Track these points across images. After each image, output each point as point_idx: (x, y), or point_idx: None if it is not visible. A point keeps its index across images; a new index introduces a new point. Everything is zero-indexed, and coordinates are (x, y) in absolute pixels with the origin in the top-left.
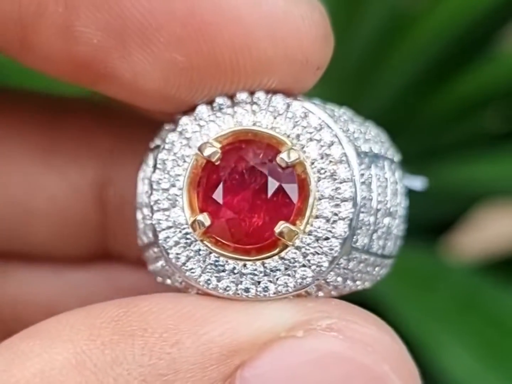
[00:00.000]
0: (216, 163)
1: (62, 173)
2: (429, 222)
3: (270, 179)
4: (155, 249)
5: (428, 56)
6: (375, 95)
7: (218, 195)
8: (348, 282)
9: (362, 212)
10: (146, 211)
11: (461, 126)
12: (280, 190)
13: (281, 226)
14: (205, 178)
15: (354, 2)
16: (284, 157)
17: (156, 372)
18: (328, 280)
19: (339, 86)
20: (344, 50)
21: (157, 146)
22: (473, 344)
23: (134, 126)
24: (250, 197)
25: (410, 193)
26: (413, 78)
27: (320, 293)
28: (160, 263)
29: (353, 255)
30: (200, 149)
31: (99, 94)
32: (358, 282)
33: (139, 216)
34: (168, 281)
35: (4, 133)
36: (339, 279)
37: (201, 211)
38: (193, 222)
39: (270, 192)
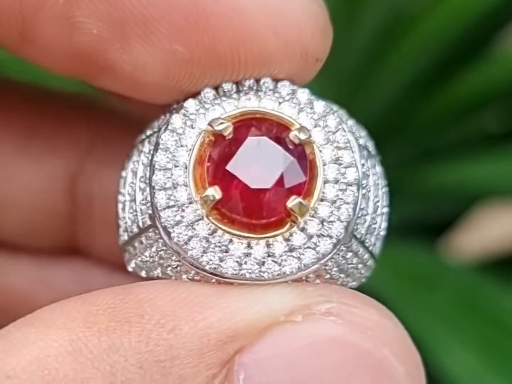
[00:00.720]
0: (228, 138)
1: (38, 162)
2: (428, 222)
3: (284, 153)
4: (150, 234)
5: (427, 56)
6: (374, 94)
7: (233, 166)
8: (342, 275)
9: (363, 198)
10: (141, 196)
11: (461, 126)
12: (293, 166)
13: (293, 200)
14: (216, 152)
15: (354, 2)
16: (297, 133)
17: (153, 359)
18: (327, 268)
19: (338, 85)
20: (344, 50)
21: (151, 135)
22: (472, 343)
23: (114, 122)
24: (263, 170)
25: (411, 195)
26: (412, 78)
27: (317, 281)
28: (153, 249)
29: (352, 244)
30: (211, 124)
31: (85, 90)
32: (349, 278)
33: (126, 210)
34: (157, 271)
35: None
36: (336, 268)
37: (210, 185)
38: (203, 196)
39: (284, 166)
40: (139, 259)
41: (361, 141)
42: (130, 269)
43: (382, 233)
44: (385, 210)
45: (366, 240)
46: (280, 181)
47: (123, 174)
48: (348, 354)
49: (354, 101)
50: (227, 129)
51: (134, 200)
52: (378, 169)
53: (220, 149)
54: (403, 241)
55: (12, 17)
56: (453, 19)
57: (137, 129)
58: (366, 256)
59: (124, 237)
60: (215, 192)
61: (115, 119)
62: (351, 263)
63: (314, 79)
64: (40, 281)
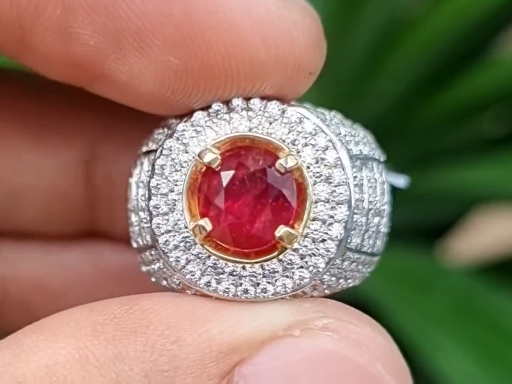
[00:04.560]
0: (216, 169)
1: (50, 150)
2: (425, 226)
3: (270, 184)
4: (153, 252)
5: (425, 61)
6: (373, 99)
7: (220, 200)
8: (341, 280)
9: (356, 214)
10: (143, 214)
11: (458, 130)
12: (279, 195)
13: (281, 230)
14: (206, 183)
15: (351, 7)
16: (282, 163)
17: (157, 368)
18: (323, 280)
19: (336, 90)
20: (341, 54)
21: (152, 151)
22: (468, 347)
23: (123, 109)
24: (251, 202)
25: (408, 199)
26: (411, 83)
27: (315, 292)
28: (157, 265)
29: (347, 255)
30: (200, 155)
31: None
32: (349, 281)
33: (133, 219)
34: (164, 283)
35: None
36: (333, 278)
37: (202, 216)
38: (195, 227)
39: (270, 197)
40: (148, 267)
41: (355, 150)
42: (142, 270)
43: (383, 229)
44: (385, 207)
45: (364, 247)
46: (268, 212)
47: (130, 181)
48: (343, 368)
49: (353, 105)
50: (215, 161)
51: (138, 215)
52: (377, 169)
53: (209, 181)
54: (400, 245)
55: (10, 25)
56: (450, 24)
57: (142, 114)
58: (365, 258)
59: (134, 244)
60: (205, 224)
61: (121, 105)
62: (349, 269)
63: (312, 83)
64: (52, 267)
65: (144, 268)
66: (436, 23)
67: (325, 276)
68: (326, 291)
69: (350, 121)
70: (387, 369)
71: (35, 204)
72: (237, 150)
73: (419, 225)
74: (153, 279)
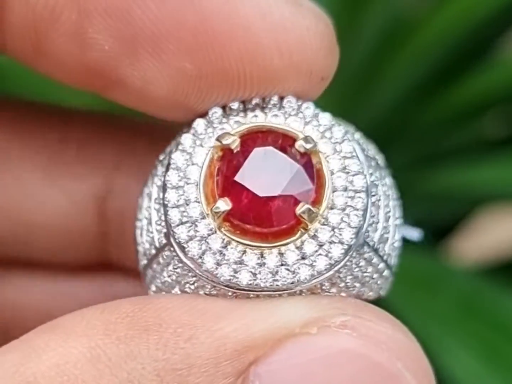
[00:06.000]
0: (235, 151)
1: (63, 185)
2: (430, 226)
3: (290, 161)
4: (166, 252)
5: (429, 62)
6: (376, 99)
7: (241, 177)
8: (357, 283)
9: (373, 206)
10: (155, 217)
11: (461, 131)
12: (299, 174)
13: (302, 207)
14: (225, 165)
15: (355, 8)
16: (302, 143)
17: (170, 367)
18: (341, 276)
19: (340, 91)
20: (345, 56)
21: (163, 158)
22: (474, 347)
23: (139, 138)
24: (271, 179)
25: (412, 200)
26: (413, 84)
27: (333, 289)
28: (170, 267)
29: (364, 251)
30: (218, 138)
31: (107, 105)
32: (364, 288)
33: (142, 233)
34: (175, 290)
35: (6, 143)
36: (350, 277)
37: (220, 197)
38: (213, 208)
39: (291, 174)
40: (158, 280)
41: (370, 153)
42: (151, 293)
43: (397, 244)
44: (398, 222)
45: (380, 249)
46: (288, 188)
47: (139, 201)
48: (362, 367)
49: (356, 107)
50: (234, 142)
51: (150, 223)
52: (388, 180)
53: (228, 162)
54: (404, 245)
55: (26, 32)
56: (454, 25)
57: (162, 144)
58: (381, 265)
59: (143, 261)
60: (224, 204)
61: (139, 135)
62: (366, 272)
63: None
64: (63, 296)
65: (153, 288)
66: (439, 24)
67: (343, 270)
68: (343, 293)
69: (359, 133)
70: (408, 368)
71: (46, 238)
72: (255, 134)
73: (423, 225)
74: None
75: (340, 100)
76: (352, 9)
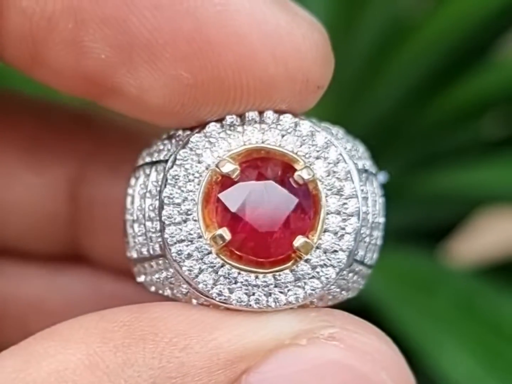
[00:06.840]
0: (235, 180)
1: (39, 169)
2: (428, 227)
3: (290, 196)
4: (160, 261)
5: (427, 63)
6: (374, 101)
7: (241, 210)
8: (343, 292)
9: (363, 226)
10: (151, 224)
11: (460, 132)
12: (298, 206)
13: (299, 240)
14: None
15: (353, 10)
16: (301, 174)
17: (165, 375)
18: (330, 291)
19: (338, 92)
20: (343, 57)
21: (158, 161)
22: (472, 348)
23: (113, 133)
24: (270, 214)
25: (410, 201)
26: (412, 86)
27: (321, 303)
28: (164, 274)
29: (353, 267)
30: (218, 166)
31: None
32: (349, 292)
33: (136, 229)
34: (168, 292)
35: None
36: (338, 289)
37: (219, 225)
38: (213, 237)
39: (289, 209)
40: (149, 277)
41: (360, 164)
42: (139, 280)
43: (379, 242)
44: (381, 220)
45: (366, 259)
46: (287, 222)
47: (130, 191)
48: (348, 377)
49: (354, 108)
50: (234, 171)
51: (144, 225)
52: (375, 183)
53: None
54: (402, 247)
55: (23, 40)
56: (452, 27)
57: (134, 140)
58: (365, 270)
59: (133, 254)
60: (224, 234)
61: (114, 130)
62: (352, 281)
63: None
64: (50, 288)
65: (141, 278)
66: (437, 26)
67: (332, 287)
68: (329, 302)
69: (351, 136)
70: (392, 378)
71: (20, 219)
72: (254, 162)
73: (421, 227)
74: (152, 289)
75: (339, 101)
76: (351, 10)
